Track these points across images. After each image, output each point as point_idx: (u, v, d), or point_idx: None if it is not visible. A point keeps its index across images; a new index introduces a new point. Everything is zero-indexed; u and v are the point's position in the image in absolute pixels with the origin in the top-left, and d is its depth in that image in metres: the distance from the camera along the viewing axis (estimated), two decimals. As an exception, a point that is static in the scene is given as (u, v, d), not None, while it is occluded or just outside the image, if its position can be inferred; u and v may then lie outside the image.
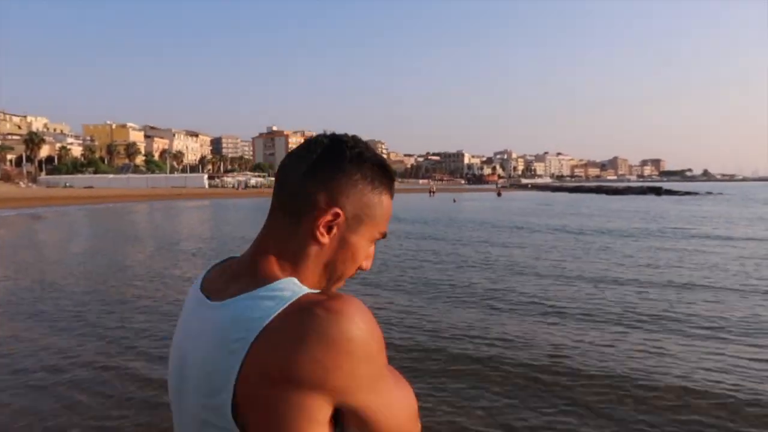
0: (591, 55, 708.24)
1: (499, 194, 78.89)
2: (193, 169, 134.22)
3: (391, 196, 0.98)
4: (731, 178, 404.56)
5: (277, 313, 0.80)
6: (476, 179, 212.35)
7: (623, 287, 10.25)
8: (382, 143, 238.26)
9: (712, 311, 8.30)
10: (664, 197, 65.84)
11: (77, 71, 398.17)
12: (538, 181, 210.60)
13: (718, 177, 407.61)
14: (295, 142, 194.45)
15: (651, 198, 64.22)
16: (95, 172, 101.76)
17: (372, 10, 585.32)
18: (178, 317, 0.92)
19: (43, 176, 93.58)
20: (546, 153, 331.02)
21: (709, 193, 75.89)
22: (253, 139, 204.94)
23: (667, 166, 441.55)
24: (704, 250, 15.74)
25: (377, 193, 0.95)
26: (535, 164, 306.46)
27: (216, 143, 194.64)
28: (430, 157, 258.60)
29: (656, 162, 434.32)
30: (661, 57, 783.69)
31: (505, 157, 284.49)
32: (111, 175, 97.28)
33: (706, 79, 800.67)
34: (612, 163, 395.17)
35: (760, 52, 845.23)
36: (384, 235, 0.99)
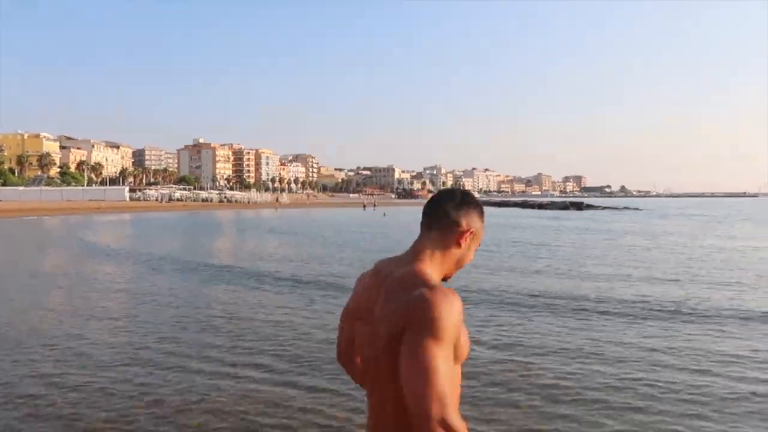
0: (521, 76, 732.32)
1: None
2: (114, 181, 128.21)
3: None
4: (646, 194, 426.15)
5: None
6: (406, 194, 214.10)
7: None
8: (313, 157, 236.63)
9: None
10: (586, 212, 68.21)
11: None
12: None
13: (635, 193, 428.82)
14: (222, 155, 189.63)
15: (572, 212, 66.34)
16: (4, 184, 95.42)
17: (310, 17, 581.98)
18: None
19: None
20: (474, 169, 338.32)
21: (627, 208, 79.49)
22: (178, 151, 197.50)
23: (588, 182, 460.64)
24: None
25: (482, 220, 1.64)
26: (464, 179, 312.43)
27: (139, 155, 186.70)
28: (360, 172, 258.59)
29: (578, 178, 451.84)
30: (577, 76, 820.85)
31: (435, 172, 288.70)
32: (22, 188, 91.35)
33: (623, 99, 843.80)
34: (536, 179, 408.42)
35: (672, 71, 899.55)
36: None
